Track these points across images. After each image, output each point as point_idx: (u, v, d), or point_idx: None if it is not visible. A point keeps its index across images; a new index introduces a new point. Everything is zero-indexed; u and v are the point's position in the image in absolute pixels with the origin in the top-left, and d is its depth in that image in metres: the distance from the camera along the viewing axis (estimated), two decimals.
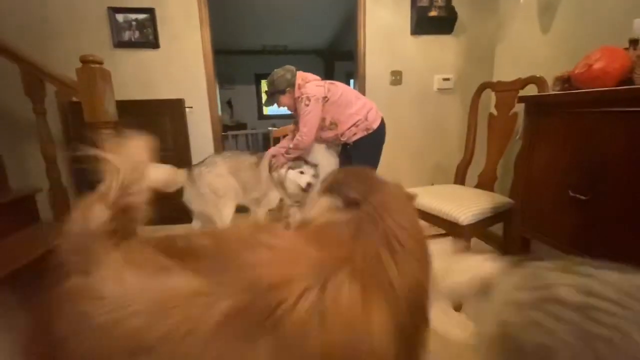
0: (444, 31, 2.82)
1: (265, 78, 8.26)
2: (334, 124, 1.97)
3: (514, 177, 1.68)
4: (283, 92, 1.98)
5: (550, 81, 1.51)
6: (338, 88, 1.96)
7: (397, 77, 2.89)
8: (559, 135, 1.02)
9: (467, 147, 1.92)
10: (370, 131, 1.99)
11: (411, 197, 0.76)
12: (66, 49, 2.35)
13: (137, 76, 2.55)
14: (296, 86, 1.95)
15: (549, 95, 1.11)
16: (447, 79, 2.91)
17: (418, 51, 2.85)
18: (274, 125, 2.70)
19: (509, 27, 1.98)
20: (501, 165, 1.80)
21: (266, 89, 2.08)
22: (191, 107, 2.64)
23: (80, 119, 1.68)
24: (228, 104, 6.79)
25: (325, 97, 1.91)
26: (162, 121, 2.57)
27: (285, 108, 2.10)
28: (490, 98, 1.94)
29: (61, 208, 1.91)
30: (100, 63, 1.66)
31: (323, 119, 1.96)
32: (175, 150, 2.61)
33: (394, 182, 0.73)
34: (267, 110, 7.42)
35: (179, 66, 2.59)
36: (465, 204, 1.48)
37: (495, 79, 1.88)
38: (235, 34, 5.65)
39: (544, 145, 1.08)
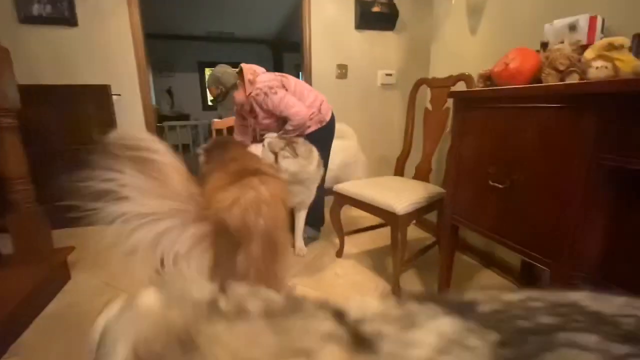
0: (387, 27, 2.90)
1: (209, 66, 7.80)
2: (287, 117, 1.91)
3: (445, 168, 1.79)
4: (235, 86, 1.86)
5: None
6: (289, 80, 1.90)
7: (342, 71, 2.91)
8: (481, 129, 1.10)
9: (406, 140, 2.00)
10: (324, 123, 1.98)
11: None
12: None
13: (51, 58, 2.23)
14: (246, 81, 1.84)
15: (472, 90, 1.19)
16: (390, 75, 3.01)
17: (362, 46, 2.90)
18: (220, 117, 2.55)
19: (442, 26, 2.10)
20: (435, 158, 1.90)
21: (213, 95, 1.91)
22: (119, 95, 2.38)
23: None
24: (168, 92, 6.31)
25: (283, 86, 1.84)
26: (84, 110, 2.29)
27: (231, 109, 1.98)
28: (426, 94, 2.04)
29: None
30: None
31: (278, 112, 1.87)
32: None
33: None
34: None
35: (103, 48, 2.32)
36: (402, 195, 1.55)
37: (430, 76, 1.97)
38: (175, 17, 5.24)
39: (469, 138, 1.15)
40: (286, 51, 6.91)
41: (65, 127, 2.25)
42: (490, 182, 1.05)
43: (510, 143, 1.01)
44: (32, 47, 2.16)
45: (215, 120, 2.49)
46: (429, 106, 1.89)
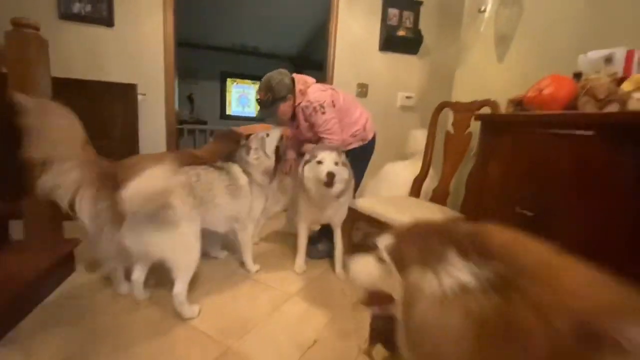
0: (410, 51, 2.94)
1: (231, 77, 7.95)
2: None
3: (465, 194, 1.75)
4: (284, 99, 1.79)
5: (503, 104, 1.62)
6: (339, 94, 1.87)
7: (363, 90, 2.94)
8: (509, 153, 1.07)
9: (424, 162, 1.97)
10: (365, 142, 1.94)
11: None
12: (1, 13, 2.06)
13: (85, 54, 2.31)
14: (297, 91, 1.79)
15: (503, 114, 1.17)
16: (410, 97, 3.03)
17: (384, 67, 2.94)
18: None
19: (468, 54, 2.11)
20: (454, 182, 1.87)
21: (260, 98, 1.84)
22: (144, 95, 2.44)
23: (5, 93, 1.45)
24: (189, 98, 6.46)
25: (332, 102, 1.80)
26: (109, 106, 2.34)
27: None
28: (448, 117, 2.03)
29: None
30: (37, 29, 1.46)
31: None
32: (121, 140, 2.38)
33: None
34: (231, 111, 7.20)
35: (135, 49, 2.40)
36: (420, 217, 1.50)
37: (453, 100, 1.97)
38: (203, 27, 5.44)
39: (496, 163, 1.12)
40: (307, 68, 7.06)
41: (89, 121, 2.30)
42: (518, 209, 1.01)
43: (541, 169, 0.98)
44: (68, 42, 2.25)
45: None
46: (451, 129, 1.87)
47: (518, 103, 1.13)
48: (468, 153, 1.77)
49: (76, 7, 2.22)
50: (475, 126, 1.75)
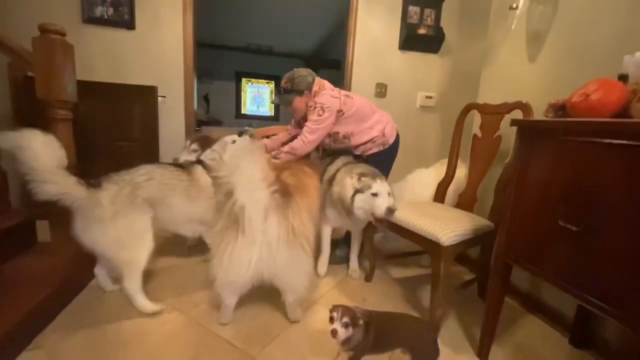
0: (431, 50, 2.85)
1: (246, 77, 8.00)
2: (347, 138, 1.88)
3: (494, 200, 1.68)
4: (300, 93, 1.83)
5: (535, 107, 1.54)
6: (354, 102, 1.84)
7: (381, 90, 2.87)
8: (551, 162, 1.00)
9: (450, 166, 1.90)
10: (386, 146, 1.92)
11: None
12: (27, 19, 2.09)
13: (107, 57, 2.33)
14: (312, 92, 1.83)
15: (545, 120, 1.10)
16: (430, 97, 2.94)
17: (404, 66, 2.86)
18: (250, 125, 2.55)
19: (496, 53, 2.02)
20: (481, 188, 1.79)
21: (281, 85, 1.91)
22: (164, 97, 2.45)
23: (34, 97, 1.47)
24: (205, 98, 6.51)
25: (340, 110, 1.79)
26: (130, 108, 2.36)
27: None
28: (473, 119, 1.95)
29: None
30: (63, 34, 1.47)
31: (336, 132, 1.85)
32: (142, 141, 2.39)
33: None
34: (246, 110, 7.22)
35: (156, 52, 2.40)
36: (448, 224, 1.44)
37: (478, 102, 1.89)
38: (219, 28, 5.45)
39: (535, 171, 1.06)
40: (322, 67, 7.00)
41: (111, 123, 2.33)
42: (561, 223, 0.94)
43: (588, 181, 0.91)
44: (91, 46, 2.27)
45: (249, 129, 2.47)
46: (478, 132, 1.80)
47: (560, 108, 1.06)
48: (496, 157, 1.70)
49: (99, 11, 2.23)
50: (505, 130, 1.68)
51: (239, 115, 7.13)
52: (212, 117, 6.47)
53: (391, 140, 1.91)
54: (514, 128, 1.13)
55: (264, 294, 1.64)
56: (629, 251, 0.80)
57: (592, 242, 0.88)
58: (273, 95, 7.29)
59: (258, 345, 1.28)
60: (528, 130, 1.09)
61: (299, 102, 1.85)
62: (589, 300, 0.89)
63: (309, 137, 1.76)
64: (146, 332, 1.32)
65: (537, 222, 1.05)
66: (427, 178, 2.02)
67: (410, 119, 2.91)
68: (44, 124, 1.42)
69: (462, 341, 1.40)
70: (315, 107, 1.76)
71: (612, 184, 0.85)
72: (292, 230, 1.27)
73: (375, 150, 1.90)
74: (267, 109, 7.34)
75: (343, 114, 1.79)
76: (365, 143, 1.88)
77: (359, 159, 1.96)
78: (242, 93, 7.14)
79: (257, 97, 7.28)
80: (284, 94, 1.88)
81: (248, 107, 7.24)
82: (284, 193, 1.31)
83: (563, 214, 0.95)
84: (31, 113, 1.81)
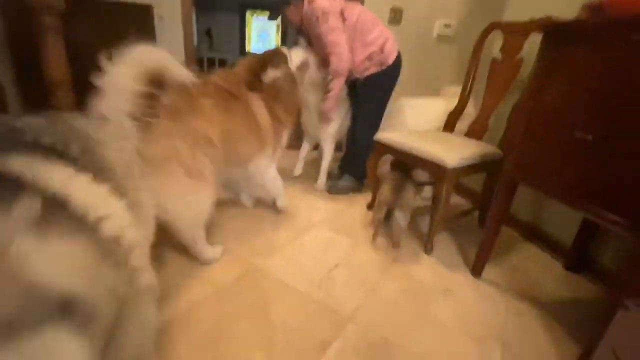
0: None
1: (251, 8, 7.43)
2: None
3: (506, 128, 1.60)
4: (288, 1, 1.71)
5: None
6: (354, 9, 1.68)
7: (396, 16, 2.63)
8: (580, 68, 0.91)
9: (463, 93, 1.79)
10: (384, 67, 1.76)
11: None
12: None
13: None
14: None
15: (575, 20, 0.98)
16: (449, 26, 2.69)
17: None
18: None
19: None
20: (494, 117, 1.70)
21: None
22: (161, 17, 2.28)
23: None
24: (207, 33, 6.14)
25: (342, 14, 1.65)
26: (124, 28, 2.20)
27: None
28: (492, 46, 1.79)
29: None
30: None
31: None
32: None
33: None
34: (251, 47, 6.83)
35: None
36: (453, 149, 1.40)
37: (503, 21, 1.71)
38: None
39: (558, 80, 0.97)
40: None
41: (103, 44, 2.20)
42: (576, 134, 0.89)
43: (622, 87, 0.82)
44: None
45: None
46: (498, 56, 1.65)
47: (597, 8, 0.94)
48: (513, 86, 1.58)
49: None
50: (528, 51, 1.54)
51: (243, 52, 6.76)
52: (215, 54, 6.16)
53: (390, 59, 1.76)
54: (537, 50, 1.02)
55: (267, 217, 1.68)
56: None
57: (608, 153, 0.83)
58: (280, 33, 6.82)
59: (260, 256, 1.33)
60: (556, 34, 0.98)
61: (292, 10, 1.75)
62: (597, 212, 0.86)
63: (333, 57, 1.66)
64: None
65: (548, 138, 0.99)
66: (432, 106, 1.92)
67: (426, 49, 2.71)
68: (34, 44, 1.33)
69: (459, 263, 1.44)
70: (316, 16, 1.63)
71: None
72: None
73: (372, 70, 1.77)
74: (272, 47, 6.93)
75: (345, 20, 1.66)
76: (363, 60, 1.75)
77: (354, 85, 1.86)
78: (247, 27, 6.69)
79: (263, 32, 6.83)
80: (274, 10, 1.86)
81: (253, 43, 6.83)
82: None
83: (579, 123, 0.88)
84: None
